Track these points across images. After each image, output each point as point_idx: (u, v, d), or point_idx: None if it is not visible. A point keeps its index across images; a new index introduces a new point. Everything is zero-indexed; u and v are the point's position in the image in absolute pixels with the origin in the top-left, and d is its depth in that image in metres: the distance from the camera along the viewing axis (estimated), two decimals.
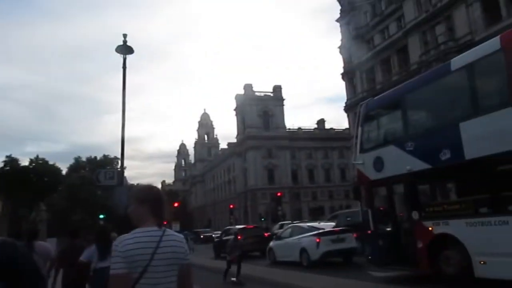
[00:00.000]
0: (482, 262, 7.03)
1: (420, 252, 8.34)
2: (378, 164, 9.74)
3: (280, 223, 26.01)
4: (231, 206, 46.33)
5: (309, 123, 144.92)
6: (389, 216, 9.75)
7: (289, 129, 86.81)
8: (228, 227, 24.31)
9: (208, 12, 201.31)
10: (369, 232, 10.01)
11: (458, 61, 7.98)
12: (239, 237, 20.16)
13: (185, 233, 31.89)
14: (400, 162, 9.05)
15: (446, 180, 8.33)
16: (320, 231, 13.66)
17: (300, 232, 14.43)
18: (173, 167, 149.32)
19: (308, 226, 14.77)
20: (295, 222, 26.02)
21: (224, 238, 22.09)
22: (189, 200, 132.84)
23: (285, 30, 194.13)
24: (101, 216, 26.06)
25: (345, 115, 47.13)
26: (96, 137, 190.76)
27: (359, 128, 10.60)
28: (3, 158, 66.17)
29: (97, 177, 13.18)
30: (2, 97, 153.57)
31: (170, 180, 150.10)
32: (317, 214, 68.49)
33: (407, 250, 8.82)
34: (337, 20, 52.12)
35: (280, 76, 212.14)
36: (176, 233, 2.39)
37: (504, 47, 6.92)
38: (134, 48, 12.84)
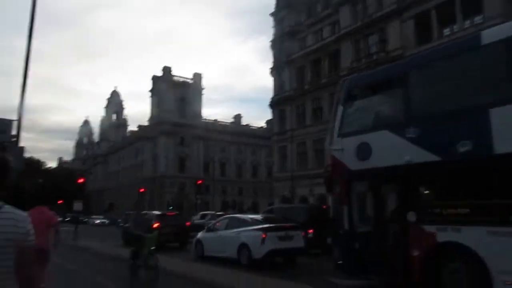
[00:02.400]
0: (508, 283, 5.68)
1: (415, 262, 6.85)
2: (364, 151, 8.12)
3: (201, 213, 23.66)
4: (142, 190, 42.34)
5: (225, 117, 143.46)
6: (373, 215, 8.19)
7: (205, 119, 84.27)
8: (144, 212, 21.34)
9: None
10: (341, 232, 8.36)
11: (491, 34, 6.62)
12: (156, 224, 17.62)
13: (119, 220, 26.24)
14: (395, 151, 7.52)
15: (457, 176, 6.89)
16: (266, 225, 11.76)
17: (239, 225, 12.39)
18: (74, 145, 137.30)
19: (250, 218, 12.75)
20: (227, 212, 23.91)
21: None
22: (88, 181, 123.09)
23: (212, 23, 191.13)
24: None
25: (261, 114, 46.21)
26: None
27: (340, 108, 8.90)
28: None
29: None
30: None
31: (69, 158, 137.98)
32: (226, 208, 67.38)
33: (394, 258, 7.30)
34: (272, 14, 51.12)
35: (201, 66, 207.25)
36: (17, 211, 2.01)
37: None
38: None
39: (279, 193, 42.59)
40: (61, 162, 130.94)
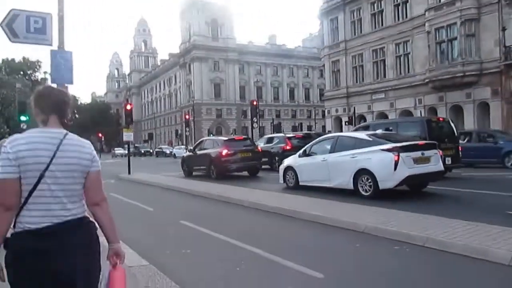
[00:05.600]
0: None
1: None
2: None
3: (267, 136, 20.76)
4: (187, 117, 39.68)
5: (259, 38, 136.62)
6: None
7: (239, 42, 79.23)
8: (203, 139, 18.74)
9: None
10: None
11: None
12: (226, 151, 14.98)
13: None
14: None
15: None
16: (398, 144, 8.61)
17: (353, 145, 9.31)
18: (105, 78, 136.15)
19: (368, 135, 9.57)
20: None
21: (200, 152, 16.61)
22: (123, 114, 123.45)
23: None
24: (23, 118, 18.52)
25: (297, 32, 40.47)
26: None
27: None
28: None
29: (10, 26, 6.67)
30: None
31: (101, 92, 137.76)
32: (263, 133, 65.09)
33: None
34: None
35: None
36: (81, 138, 2.09)
37: None
38: None
39: (332, 113, 39.21)
40: (94, 96, 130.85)
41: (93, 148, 2.10)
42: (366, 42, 34.42)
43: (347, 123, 32.04)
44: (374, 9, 33.99)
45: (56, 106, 2.07)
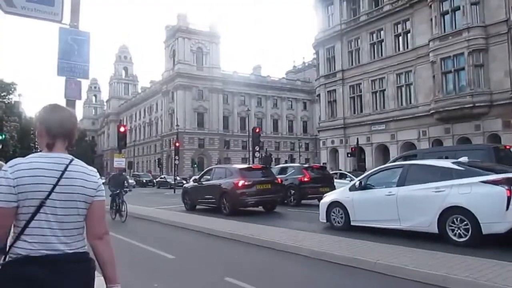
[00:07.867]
0: None
1: None
2: None
3: (279, 166, 18.48)
4: (177, 145, 36.89)
5: (244, 69, 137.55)
6: None
7: (223, 71, 78.16)
8: (211, 167, 16.43)
9: None
10: None
11: None
12: (242, 182, 12.74)
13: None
14: None
15: None
16: (506, 175, 6.65)
17: (434, 177, 7.32)
18: (82, 103, 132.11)
19: (456, 163, 7.53)
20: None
21: (207, 182, 14.25)
22: (99, 141, 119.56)
23: None
24: None
25: (282, 64, 39.37)
26: None
27: None
28: None
29: None
30: None
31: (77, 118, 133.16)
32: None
33: None
34: None
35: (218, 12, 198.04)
36: (87, 165, 1.88)
37: None
38: None
39: (327, 145, 37.54)
40: None
41: (99, 176, 1.90)
42: (365, 72, 33.34)
43: (349, 155, 30.30)
44: (373, 39, 33.14)
45: (66, 129, 1.86)
